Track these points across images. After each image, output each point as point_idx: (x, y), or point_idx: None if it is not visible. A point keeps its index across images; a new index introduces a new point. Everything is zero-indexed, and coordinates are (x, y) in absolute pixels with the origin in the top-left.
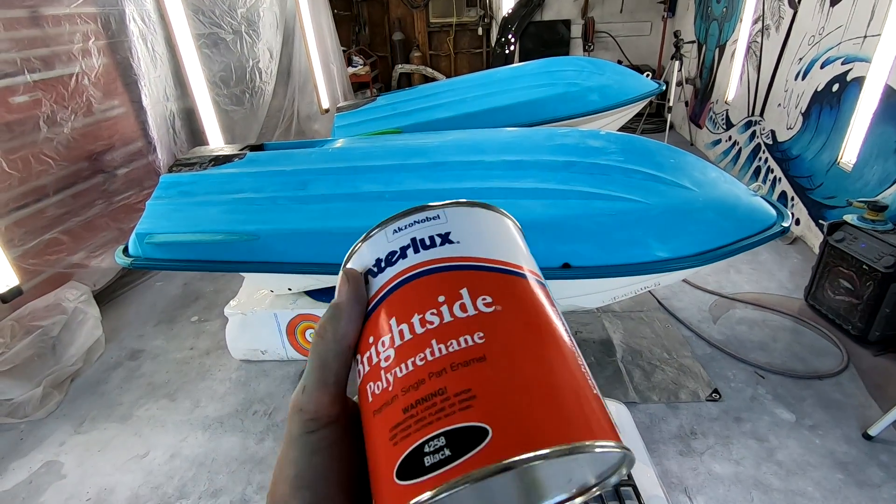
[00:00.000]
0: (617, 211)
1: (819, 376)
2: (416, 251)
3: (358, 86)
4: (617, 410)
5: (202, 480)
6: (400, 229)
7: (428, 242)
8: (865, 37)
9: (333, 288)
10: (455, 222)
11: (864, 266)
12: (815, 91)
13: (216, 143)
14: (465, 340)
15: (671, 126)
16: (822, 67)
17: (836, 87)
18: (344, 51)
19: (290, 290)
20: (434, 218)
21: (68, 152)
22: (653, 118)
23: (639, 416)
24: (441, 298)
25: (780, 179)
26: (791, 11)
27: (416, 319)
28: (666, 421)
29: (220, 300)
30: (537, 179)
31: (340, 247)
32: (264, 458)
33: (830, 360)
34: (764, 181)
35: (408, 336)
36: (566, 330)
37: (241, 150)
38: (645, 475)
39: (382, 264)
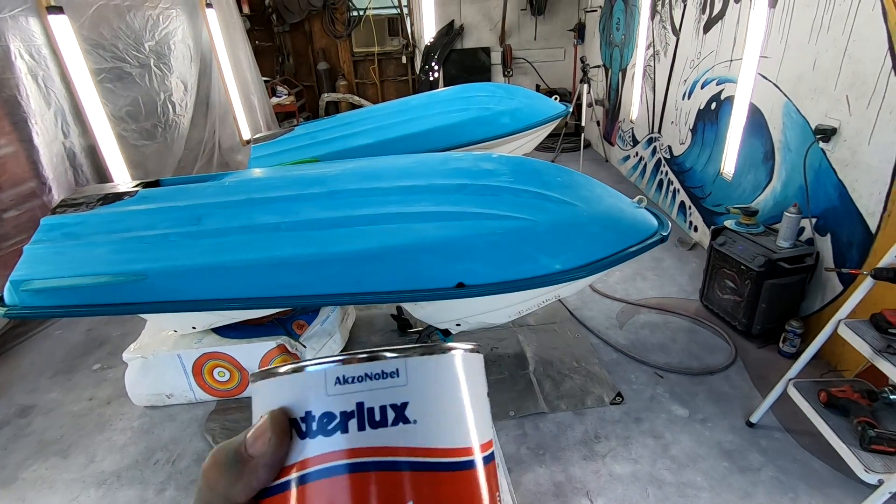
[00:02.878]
0: (506, 229)
1: (711, 372)
2: (362, 427)
3: (284, 115)
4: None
5: None
6: (345, 380)
7: (378, 417)
8: (732, 60)
9: (242, 324)
10: (416, 385)
11: (742, 266)
12: (699, 109)
13: (123, 179)
14: None
15: (588, 144)
16: (702, 88)
17: (713, 105)
18: (267, 81)
19: (194, 328)
20: (391, 375)
21: None
22: (571, 137)
23: (547, 426)
24: None
25: (678, 190)
26: (675, 38)
27: None
28: (572, 428)
29: (127, 344)
30: (430, 203)
31: (238, 281)
32: None
33: (722, 355)
34: (666, 193)
35: None
36: None
37: (134, 187)
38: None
39: (314, 426)
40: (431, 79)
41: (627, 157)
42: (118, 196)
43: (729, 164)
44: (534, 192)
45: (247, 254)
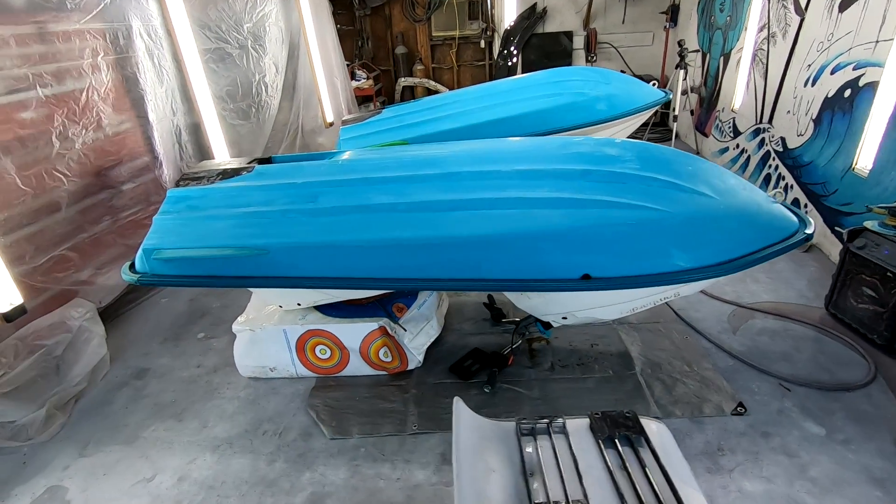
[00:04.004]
0: (637, 220)
1: (847, 388)
2: None
3: (361, 99)
4: (658, 430)
5: None
6: None
7: None
8: (878, 41)
9: (344, 303)
10: None
11: (889, 273)
12: (826, 97)
13: (222, 157)
14: None
15: (676, 135)
16: (832, 73)
17: (847, 92)
18: (347, 65)
19: (299, 304)
20: None
21: (79, 168)
22: (657, 127)
23: None
24: None
25: (791, 186)
26: (798, 18)
27: None
28: (691, 436)
29: (227, 316)
30: (553, 189)
31: (353, 260)
32: (275, 480)
33: (857, 370)
34: (775, 188)
35: None
36: None
37: (249, 163)
38: (695, 500)
39: None
40: (510, 64)
41: (725, 150)
42: (236, 171)
43: (865, 158)
44: (664, 181)
45: (365, 234)
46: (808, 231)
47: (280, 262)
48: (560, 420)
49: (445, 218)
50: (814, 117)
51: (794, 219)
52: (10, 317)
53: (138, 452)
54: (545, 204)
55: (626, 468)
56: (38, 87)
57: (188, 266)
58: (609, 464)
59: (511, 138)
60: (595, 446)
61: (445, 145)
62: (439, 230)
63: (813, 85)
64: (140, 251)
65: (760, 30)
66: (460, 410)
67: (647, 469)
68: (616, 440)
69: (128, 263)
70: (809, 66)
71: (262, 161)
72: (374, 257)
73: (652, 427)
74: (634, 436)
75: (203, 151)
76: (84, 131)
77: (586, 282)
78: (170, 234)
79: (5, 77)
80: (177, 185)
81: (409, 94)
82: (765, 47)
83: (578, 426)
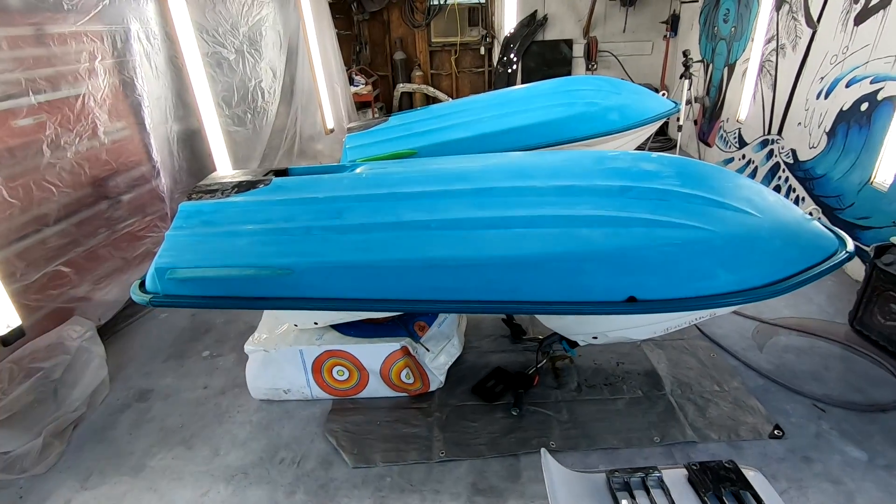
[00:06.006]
0: (683, 240)
1: (883, 409)
2: None
3: (359, 105)
4: (758, 480)
5: None
6: None
7: None
8: None
9: (364, 322)
10: None
11: None
12: (841, 110)
13: (223, 165)
14: None
15: (678, 146)
16: (847, 86)
17: (865, 105)
18: (345, 70)
19: (316, 323)
20: None
21: (72, 178)
22: (658, 137)
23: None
24: None
25: (802, 199)
26: (809, 31)
27: None
28: None
29: (231, 332)
30: (593, 206)
31: (384, 281)
32: None
33: (889, 390)
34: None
35: None
36: None
37: (266, 175)
38: None
39: None
40: (509, 71)
41: (730, 160)
42: (252, 184)
43: (885, 172)
44: (706, 199)
45: (398, 253)
46: (849, 250)
47: (305, 282)
48: (656, 473)
49: (482, 236)
50: (827, 130)
51: (833, 237)
52: (7, 340)
53: (146, 484)
54: (587, 222)
55: None
56: (31, 93)
57: (205, 286)
58: None
59: (543, 151)
60: (699, 502)
61: (476, 158)
62: (477, 250)
63: (826, 98)
64: (152, 269)
65: (768, 41)
66: (550, 465)
67: None
68: (723, 496)
69: (137, 282)
70: (822, 78)
71: (278, 173)
72: (412, 278)
73: (751, 475)
74: (742, 491)
75: (199, 159)
76: (78, 139)
77: (632, 305)
78: (184, 252)
79: None
80: (189, 197)
81: (408, 100)
82: (773, 59)
83: (675, 478)
